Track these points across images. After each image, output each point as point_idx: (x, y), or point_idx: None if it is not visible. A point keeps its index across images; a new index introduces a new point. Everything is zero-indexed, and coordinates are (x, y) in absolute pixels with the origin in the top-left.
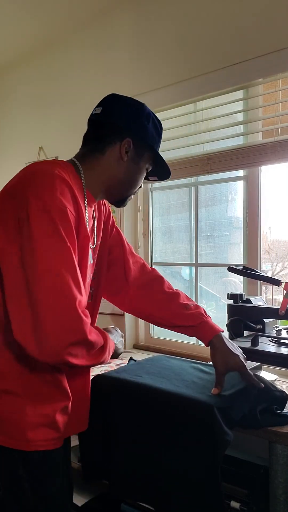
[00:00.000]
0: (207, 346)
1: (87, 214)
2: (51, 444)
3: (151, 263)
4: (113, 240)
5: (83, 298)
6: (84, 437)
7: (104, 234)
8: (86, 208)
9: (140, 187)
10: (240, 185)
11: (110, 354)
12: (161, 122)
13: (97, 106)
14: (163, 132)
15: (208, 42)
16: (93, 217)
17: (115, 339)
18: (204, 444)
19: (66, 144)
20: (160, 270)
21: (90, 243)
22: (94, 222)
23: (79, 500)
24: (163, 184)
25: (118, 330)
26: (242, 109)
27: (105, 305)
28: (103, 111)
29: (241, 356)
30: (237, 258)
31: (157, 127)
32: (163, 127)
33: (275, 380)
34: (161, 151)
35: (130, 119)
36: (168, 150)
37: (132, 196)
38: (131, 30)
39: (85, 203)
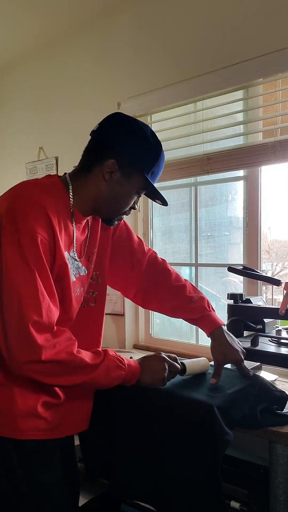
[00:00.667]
0: (208, 336)
1: (74, 229)
2: (41, 434)
3: None
4: (119, 240)
5: (51, 315)
6: (84, 437)
7: (104, 240)
8: (74, 225)
9: (132, 208)
10: (240, 185)
11: (110, 372)
12: (161, 122)
13: (99, 123)
14: (163, 133)
15: (208, 42)
16: (87, 229)
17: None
18: (204, 444)
19: (66, 144)
20: None
21: (79, 256)
22: (87, 234)
23: (79, 500)
24: (163, 184)
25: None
26: (242, 109)
27: (105, 305)
28: (99, 128)
29: (240, 351)
30: (237, 258)
31: (154, 152)
32: (164, 127)
33: (275, 380)
34: None
35: (120, 139)
36: (168, 150)
37: (124, 216)
38: (131, 30)
39: (72, 220)
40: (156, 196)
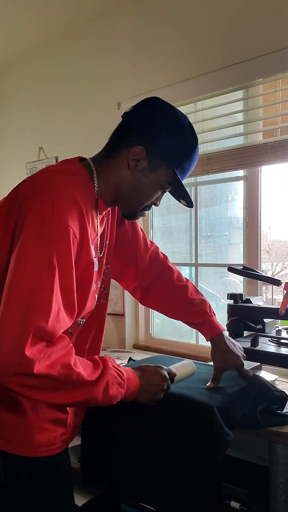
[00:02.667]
0: (207, 341)
1: (98, 222)
2: (54, 449)
3: None
4: (125, 232)
5: (57, 325)
6: (84, 437)
7: (116, 233)
8: (98, 216)
9: (154, 204)
10: (240, 185)
11: (113, 387)
12: None
13: (133, 105)
14: None
15: (208, 42)
16: (105, 221)
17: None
18: (204, 444)
19: (66, 144)
20: None
21: (98, 252)
22: (105, 226)
23: (79, 500)
24: None
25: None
26: (242, 109)
27: None
28: (131, 110)
29: (241, 356)
30: (237, 258)
31: (188, 146)
32: None
33: (275, 380)
34: None
35: (152, 125)
36: None
37: (146, 211)
38: (131, 31)
39: (96, 211)
40: (181, 195)
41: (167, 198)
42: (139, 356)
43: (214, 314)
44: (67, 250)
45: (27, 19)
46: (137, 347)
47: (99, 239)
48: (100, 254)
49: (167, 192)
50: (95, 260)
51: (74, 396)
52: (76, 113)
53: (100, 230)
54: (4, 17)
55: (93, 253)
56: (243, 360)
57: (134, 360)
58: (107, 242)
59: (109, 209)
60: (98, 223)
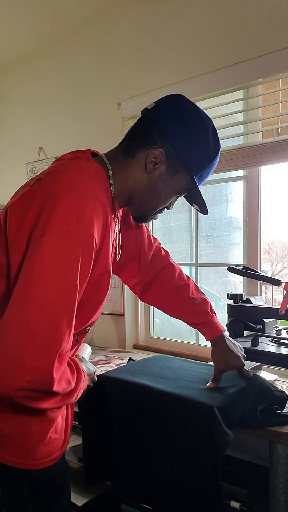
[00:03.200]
0: (207, 341)
1: (116, 225)
2: (55, 458)
3: None
4: (130, 230)
5: (71, 342)
6: (85, 437)
7: (121, 229)
8: (116, 219)
9: (167, 208)
10: (240, 185)
11: (81, 391)
12: None
13: (155, 101)
14: None
15: (208, 42)
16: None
17: (88, 370)
18: (204, 444)
19: (66, 144)
20: None
21: (116, 256)
22: (119, 226)
23: (79, 500)
24: None
25: (86, 359)
26: (242, 109)
27: (105, 305)
28: (154, 108)
29: (241, 357)
30: (237, 258)
31: (210, 153)
32: None
33: (275, 380)
34: None
35: (175, 127)
36: None
37: (158, 215)
38: (131, 31)
39: (114, 214)
40: (196, 200)
41: None
42: (139, 356)
43: (215, 314)
44: (88, 263)
45: (27, 19)
46: (137, 347)
47: (117, 243)
48: (118, 257)
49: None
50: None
51: (63, 401)
52: (76, 113)
53: (117, 232)
54: (4, 17)
55: (111, 259)
56: (243, 361)
57: (134, 360)
58: (120, 243)
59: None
60: (117, 226)
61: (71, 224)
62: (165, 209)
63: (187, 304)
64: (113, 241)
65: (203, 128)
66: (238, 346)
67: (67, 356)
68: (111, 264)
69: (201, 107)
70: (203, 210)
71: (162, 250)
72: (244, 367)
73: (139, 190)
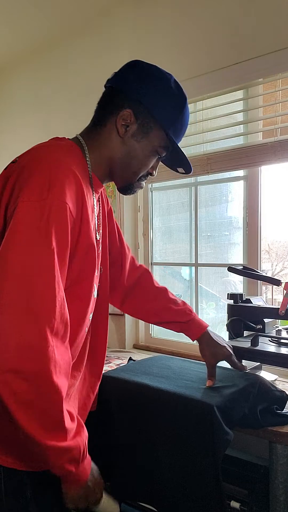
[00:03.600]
0: (193, 340)
1: (95, 201)
2: None
3: (151, 263)
4: (113, 236)
5: (65, 312)
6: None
7: (110, 224)
8: (93, 195)
9: (150, 174)
10: (240, 185)
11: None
12: None
13: (115, 71)
14: None
15: (208, 42)
16: (98, 204)
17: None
18: (204, 444)
19: None
20: (160, 270)
21: (96, 235)
22: (99, 210)
23: None
24: (163, 184)
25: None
26: (242, 109)
27: None
28: (114, 76)
29: (228, 347)
30: (237, 258)
31: (177, 104)
32: None
33: (275, 380)
34: None
35: (137, 85)
36: None
37: (143, 183)
38: (130, 31)
39: (92, 190)
40: (178, 161)
41: (167, 198)
42: (139, 356)
43: (195, 313)
44: (65, 231)
45: (27, 19)
46: (137, 347)
47: (96, 220)
48: (98, 237)
49: (171, 168)
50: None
51: (40, 433)
52: (76, 113)
53: (96, 211)
54: (3, 18)
55: (93, 235)
56: (230, 350)
57: (134, 360)
58: (102, 226)
59: (103, 190)
60: (95, 203)
61: (42, 193)
62: (149, 176)
63: (171, 303)
64: (94, 219)
65: (165, 80)
66: (221, 337)
67: (67, 339)
68: (94, 240)
69: (201, 107)
70: (187, 168)
71: (135, 260)
72: (244, 367)
73: (116, 157)
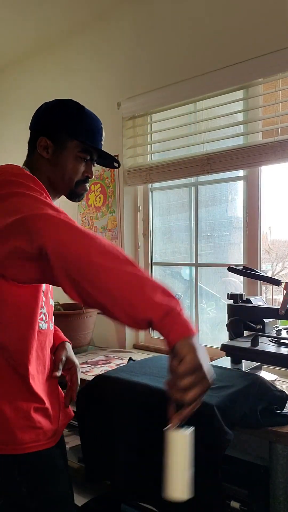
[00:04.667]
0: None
1: None
2: (42, 444)
3: (151, 263)
4: None
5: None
6: (84, 437)
7: None
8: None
9: (88, 178)
10: (240, 185)
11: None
12: (161, 122)
13: None
14: (163, 133)
15: (208, 42)
16: None
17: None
18: (204, 444)
19: None
20: (160, 270)
21: None
22: None
23: (79, 500)
24: (163, 184)
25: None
26: (242, 109)
27: None
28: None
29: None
30: (237, 258)
31: (72, 112)
32: (163, 127)
33: (275, 380)
34: (161, 151)
35: (41, 118)
36: (168, 150)
37: (86, 185)
38: (130, 30)
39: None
40: (106, 159)
41: (167, 198)
42: (139, 356)
43: None
44: (38, 184)
45: (27, 19)
46: (137, 347)
47: None
48: None
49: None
50: None
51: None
52: None
53: None
54: (2, 18)
55: None
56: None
57: (134, 360)
58: None
59: None
60: None
61: (12, 175)
62: (88, 179)
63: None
64: None
65: (57, 102)
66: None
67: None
68: None
69: (201, 107)
70: (114, 161)
71: None
72: (244, 366)
73: (51, 174)
